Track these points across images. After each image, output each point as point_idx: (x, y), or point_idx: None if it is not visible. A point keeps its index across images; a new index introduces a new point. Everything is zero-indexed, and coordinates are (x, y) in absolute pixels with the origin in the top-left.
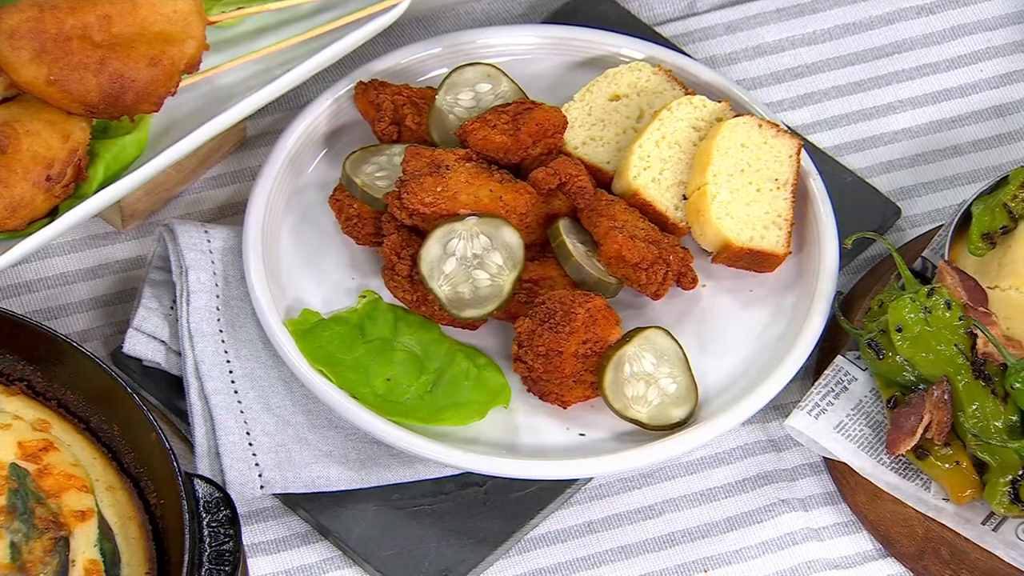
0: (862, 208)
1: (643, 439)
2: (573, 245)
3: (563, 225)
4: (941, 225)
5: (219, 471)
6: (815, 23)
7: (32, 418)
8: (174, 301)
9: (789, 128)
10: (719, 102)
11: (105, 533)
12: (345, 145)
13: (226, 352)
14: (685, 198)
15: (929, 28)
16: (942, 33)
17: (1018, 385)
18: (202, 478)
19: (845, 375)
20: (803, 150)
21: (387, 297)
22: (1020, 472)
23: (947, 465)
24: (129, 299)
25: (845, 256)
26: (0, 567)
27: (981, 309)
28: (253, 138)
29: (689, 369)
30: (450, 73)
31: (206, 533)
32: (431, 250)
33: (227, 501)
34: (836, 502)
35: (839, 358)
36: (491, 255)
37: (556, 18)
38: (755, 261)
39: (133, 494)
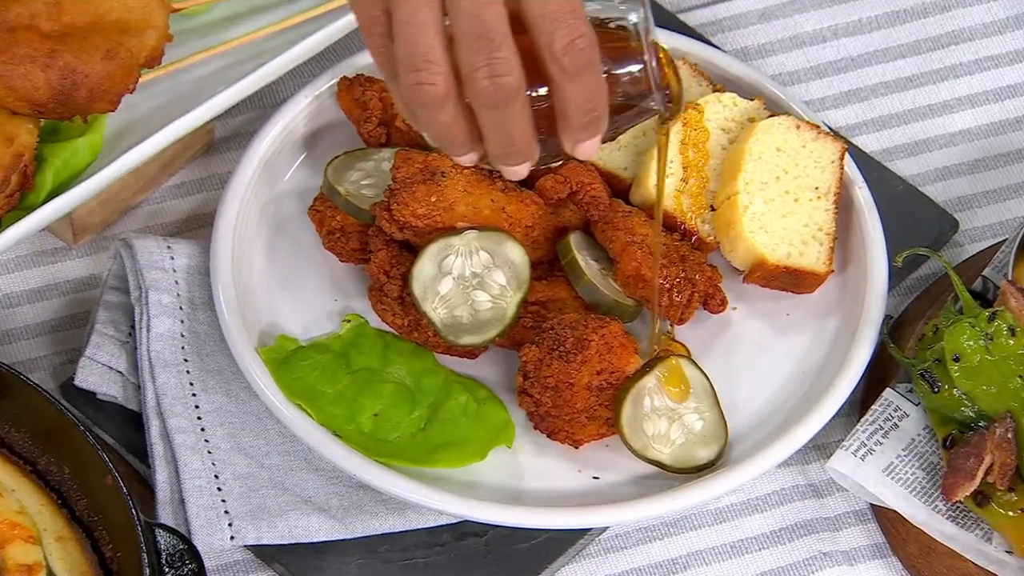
0: (915, 221)
1: (665, 483)
2: (586, 262)
3: (574, 240)
4: (1004, 240)
5: (183, 520)
6: (861, 10)
7: None
8: (132, 326)
9: (831, 130)
10: (751, 100)
11: None
12: (326, 149)
13: (191, 384)
14: (713, 209)
15: (991, 16)
16: (1005, 22)
17: None
18: (164, 527)
19: (895, 411)
20: (847, 154)
21: (374, 322)
22: None
23: (1011, 513)
24: (81, 324)
25: (895, 275)
26: None
27: None
28: (222, 141)
29: (718, 403)
30: None
31: None
32: (424, 268)
33: (192, 554)
34: (885, 555)
35: (888, 391)
36: (492, 274)
37: None
38: (792, 281)
39: (86, 545)
